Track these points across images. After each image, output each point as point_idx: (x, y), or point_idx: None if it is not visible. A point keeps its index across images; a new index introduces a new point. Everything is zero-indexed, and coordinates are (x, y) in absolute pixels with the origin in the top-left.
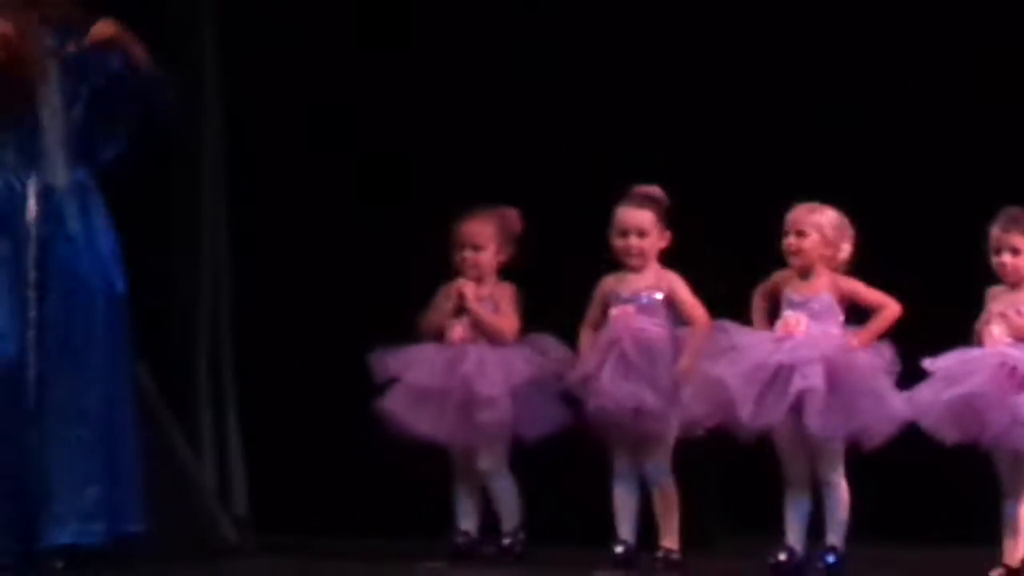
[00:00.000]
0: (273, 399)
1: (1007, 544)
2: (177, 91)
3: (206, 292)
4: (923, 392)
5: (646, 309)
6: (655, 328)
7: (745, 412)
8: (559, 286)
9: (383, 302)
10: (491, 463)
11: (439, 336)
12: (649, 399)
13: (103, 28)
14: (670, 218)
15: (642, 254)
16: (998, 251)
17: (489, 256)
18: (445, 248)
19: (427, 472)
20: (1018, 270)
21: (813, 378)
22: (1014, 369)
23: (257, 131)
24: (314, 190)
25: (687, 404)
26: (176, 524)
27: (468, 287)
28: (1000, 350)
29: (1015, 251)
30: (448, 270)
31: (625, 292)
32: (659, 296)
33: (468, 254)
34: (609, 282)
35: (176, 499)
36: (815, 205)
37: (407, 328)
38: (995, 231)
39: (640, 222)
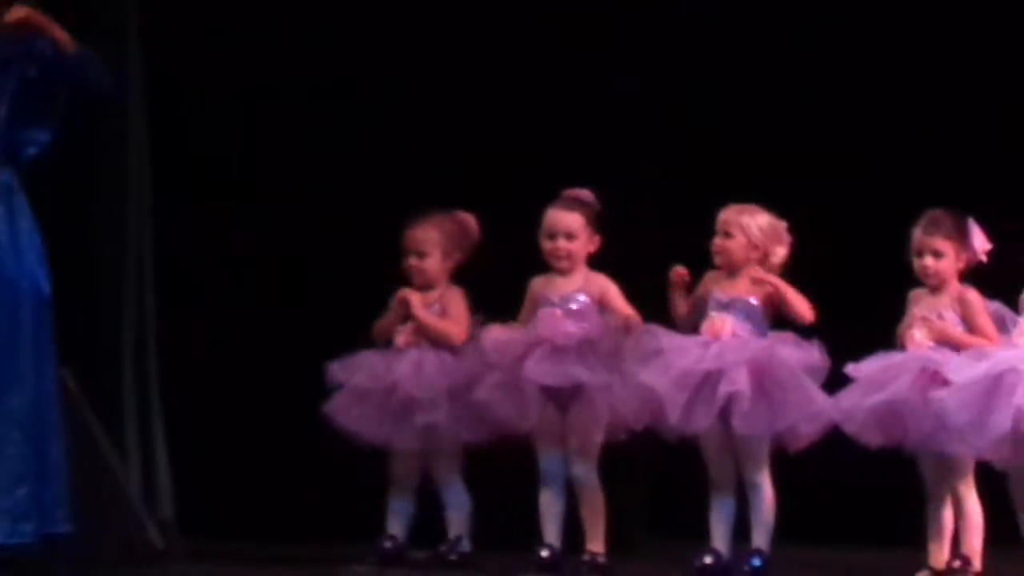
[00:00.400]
0: (199, 403)
1: (932, 547)
2: (110, 68)
3: (131, 295)
4: (847, 398)
5: (575, 313)
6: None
7: (675, 418)
8: (515, 289)
9: (316, 308)
10: (446, 469)
11: (388, 342)
12: (583, 375)
13: (17, 13)
14: (600, 222)
15: (570, 256)
16: (920, 254)
17: (435, 262)
18: (392, 252)
19: (359, 478)
20: (939, 273)
21: (739, 382)
22: (936, 374)
23: (183, 124)
24: (246, 186)
25: (614, 407)
26: (101, 528)
27: (413, 295)
28: (922, 354)
29: (937, 254)
30: (400, 274)
31: (554, 295)
32: (587, 299)
33: (413, 261)
34: (539, 284)
35: (102, 503)
36: (746, 207)
37: (350, 334)
38: (917, 234)
39: (568, 224)
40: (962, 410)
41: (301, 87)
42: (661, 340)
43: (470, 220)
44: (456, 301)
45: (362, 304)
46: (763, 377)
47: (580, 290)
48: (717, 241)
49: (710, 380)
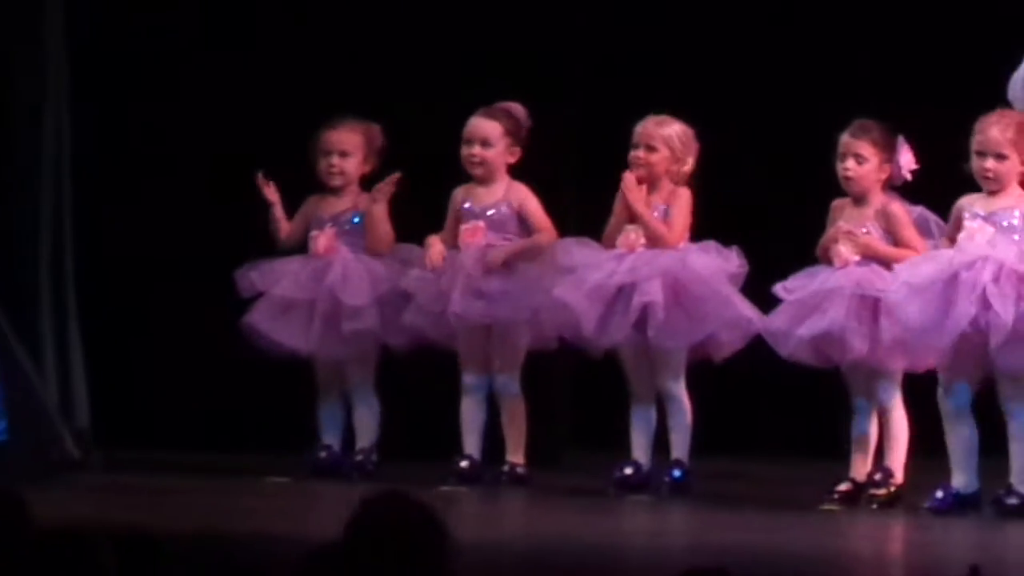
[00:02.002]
0: (116, 311)
1: (856, 459)
2: None
3: (47, 201)
4: (777, 320)
5: (495, 224)
6: (504, 243)
7: (590, 331)
8: (425, 197)
9: (237, 214)
10: (360, 378)
11: (300, 248)
12: (504, 313)
13: None
14: (523, 135)
15: (484, 163)
16: (843, 157)
17: (356, 163)
18: (298, 159)
19: (278, 387)
20: (860, 179)
21: (653, 293)
22: (865, 297)
23: (103, 19)
24: (167, 86)
25: (534, 321)
26: (17, 438)
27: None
28: (855, 277)
29: (859, 158)
30: (305, 182)
31: (475, 206)
32: (507, 210)
33: (335, 160)
34: (460, 193)
35: (17, 412)
36: (663, 118)
37: (259, 239)
38: (844, 137)
39: (484, 131)
40: (921, 312)
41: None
42: (575, 255)
43: (378, 129)
44: (381, 211)
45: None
46: (678, 288)
47: (501, 200)
48: (640, 154)
49: (624, 293)
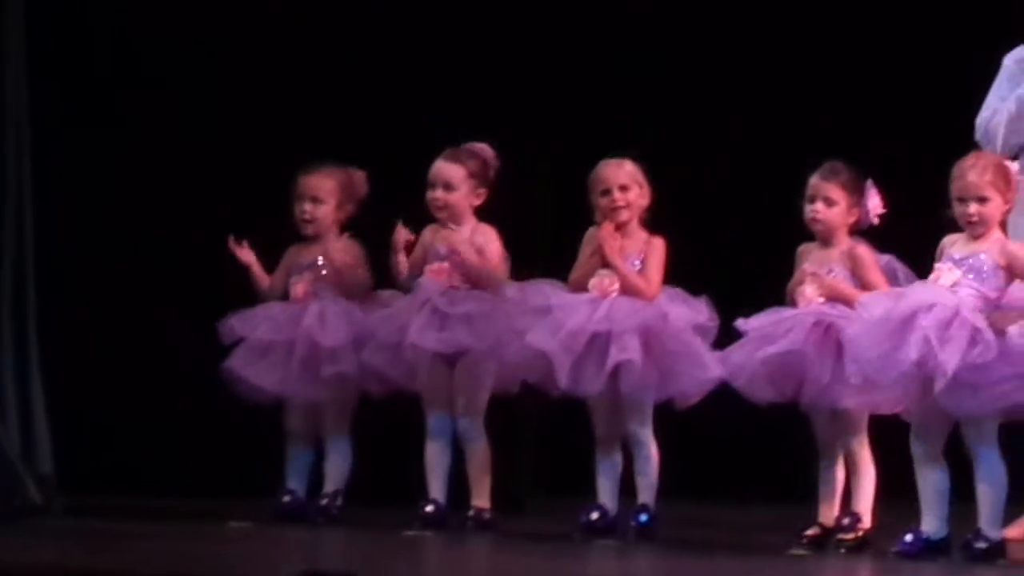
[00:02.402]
0: (79, 357)
1: (823, 505)
2: None
3: (8, 245)
4: (736, 353)
5: (462, 267)
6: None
7: (564, 380)
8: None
9: (201, 260)
10: (335, 424)
11: (283, 295)
12: (465, 341)
13: None
14: (489, 176)
15: (447, 207)
16: (812, 199)
17: (328, 210)
18: (280, 203)
19: (242, 433)
20: (828, 221)
21: (631, 350)
22: (830, 327)
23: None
24: (130, 134)
25: (500, 363)
26: None
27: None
28: (814, 308)
29: (828, 201)
30: (282, 229)
31: (442, 248)
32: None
33: (308, 207)
34: (429, 233)
35: None
36: (621, 161)
37: (231, 288)
38: (813, 179)
39: (447, 175)
40: (871, 347)
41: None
42: (550, 297)
43: (361, 176)
44: (356, 251)
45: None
46: (653, 341)
47: (466, 242)
48: (618, 197)
49: (599, 341)
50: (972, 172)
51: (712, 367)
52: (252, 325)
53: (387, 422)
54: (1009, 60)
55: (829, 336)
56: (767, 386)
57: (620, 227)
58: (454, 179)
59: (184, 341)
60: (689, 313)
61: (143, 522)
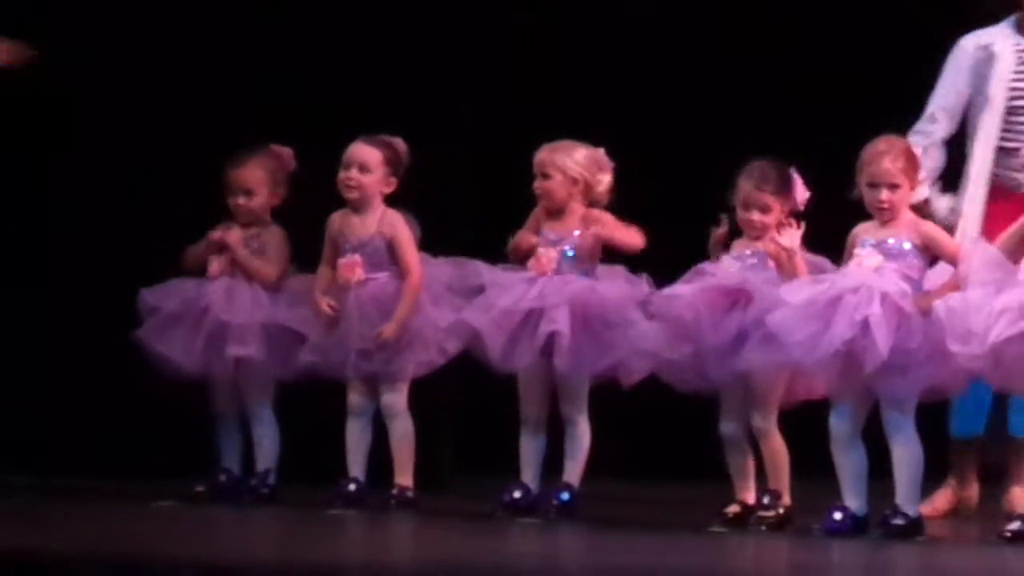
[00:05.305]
0: (6, 336)
1: (739, 482)
2: None
3: None
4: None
5: (370, 256)
6: (381, 279)
7: (496, 356)
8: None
9: (130, 231)
10: (256, 405)
11: (200, 270)
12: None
13: None
14: (400, 167)
15: (360, 188)
16: (747, 207)
17: (261, 200)
18: (212, 187)
19: (179, 412)
20: (765, 227)
21: (560, 321)
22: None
23: None
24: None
25: (427, 343)
26: None
27: (232, 234)
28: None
29: (764, 209)
30: (216, 208)
31: (352, 238)
32: (380, 241)
33: (241, 200)
34: (336, 221)
35: None
36: (560, 144)
37: (161, 262)
38: (745, 186)
39: (363, 157)
40: (797, 328)
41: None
42: (484, 276)
43: (287, 153)
44: (277, 241)
45: (176, 231)
46: (586, 315)
47: (375, 234)
48: (537, 183)
49: (531, 318)
50: (885, 158)
51: (652, 337)
52: (162, 297)
53: (306, 398)
54: (968, 44)
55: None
56: (665, 345)
57: (549, 208)
58: (370, 161)
59: (116, 317)
60: (627, 287)
61: (70, 501)
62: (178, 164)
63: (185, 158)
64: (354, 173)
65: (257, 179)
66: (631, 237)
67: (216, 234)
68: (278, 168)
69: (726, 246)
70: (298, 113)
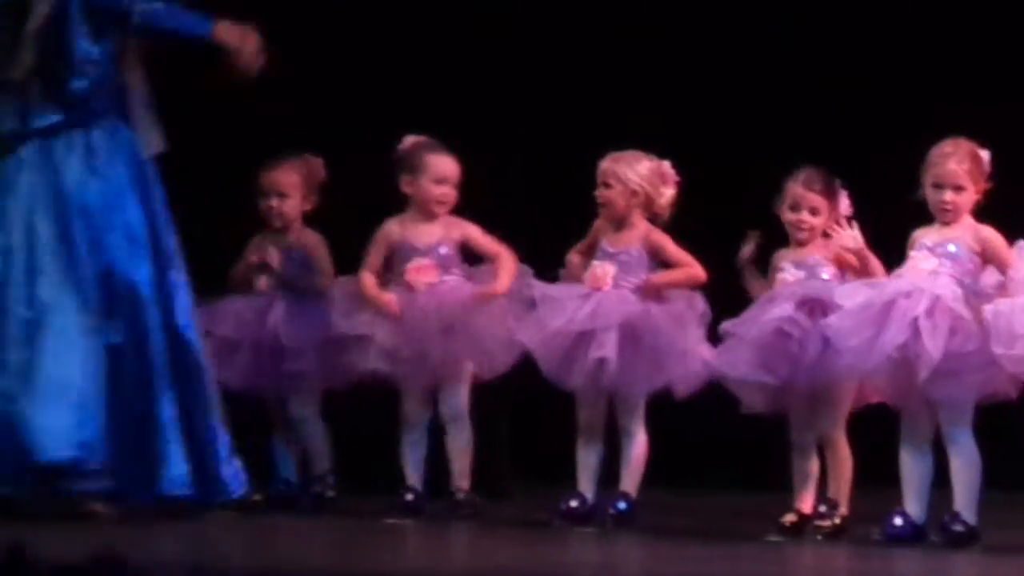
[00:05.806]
0: None
1: (800, 492)
2: None
3: None
4: (725, 350)
5: (443, 261)
6: (452, 280)
7: (549, 374)
8: (359, 231)
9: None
10: (301, 410)
11: (247, 287)
12: (436, 352)
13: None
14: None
15: (445, 202)
16: (796, 208)
17: (295, 204)
18: (251, 196)
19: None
20: (814, 229)
21: (607, 347)
22: (814, 303)
23: None
24: None
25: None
26: None
27: (272, 256)
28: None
29: (814, 211)
30: (254, 219)
31: (419, 243)
32: (448, 251)
33: (274, 202)
34: (394, 229)
35: None
36: (624, 154)
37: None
38: (796, 188)
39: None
40: (852, 334)
41: None
42: (536, 291)
43: (320, 164)
44: (320, 249)
45: (209, 249)
46: (638, 336)
47: (443, 238)
48: (599, 192)
49: (583, 340)
50: (951, 160)
51: (697, 360)
52: (215, 320)
53: (361, 411)
54: None
55: (814, 313)
56: (760, 370)
57: (609, 219)
58: (451, 176)
59: None
60: (679, 306)
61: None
62: (211, 176)
63: (220, 170)
64: (448, 189)
65: (292, 182)
66: (689, 276)
67: (253, 258)
68: (312, 175)
69: (755, 262)
70: (352, 118)
